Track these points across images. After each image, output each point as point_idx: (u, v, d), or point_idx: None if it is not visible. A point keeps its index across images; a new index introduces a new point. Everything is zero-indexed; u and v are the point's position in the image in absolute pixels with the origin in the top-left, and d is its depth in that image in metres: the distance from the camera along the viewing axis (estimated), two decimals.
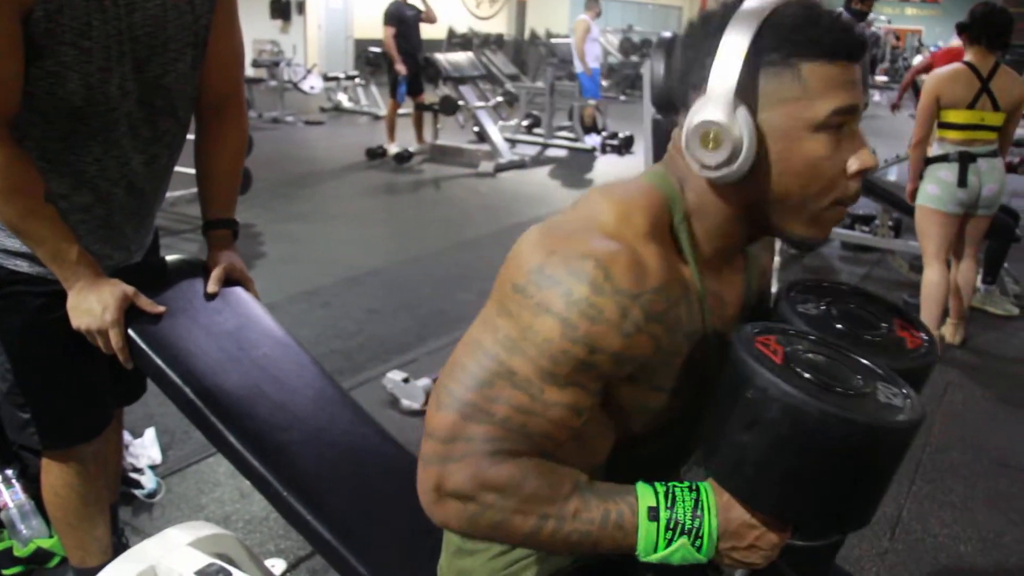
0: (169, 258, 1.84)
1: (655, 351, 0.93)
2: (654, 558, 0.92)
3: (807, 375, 0.88)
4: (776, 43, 0.92)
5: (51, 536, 2.25)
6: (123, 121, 1.53)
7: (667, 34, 2.68)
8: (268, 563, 2.19)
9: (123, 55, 1.47)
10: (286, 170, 7.54)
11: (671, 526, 0.91)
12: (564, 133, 9.86)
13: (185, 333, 1.60)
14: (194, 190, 1.84)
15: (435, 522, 0.96)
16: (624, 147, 9.41)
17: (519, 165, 8.65)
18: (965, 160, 3.68)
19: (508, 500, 0.91)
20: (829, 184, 0.95)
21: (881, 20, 22.91)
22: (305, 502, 1.40)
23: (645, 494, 0.93)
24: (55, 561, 2.24)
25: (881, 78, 16.61)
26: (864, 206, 5.94)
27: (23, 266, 1.57)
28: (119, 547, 1.95)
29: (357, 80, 12.88)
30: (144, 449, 2.74)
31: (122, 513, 2.32)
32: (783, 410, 0.85)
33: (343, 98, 12.89)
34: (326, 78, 12.74)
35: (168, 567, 1.69)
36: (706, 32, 0.95)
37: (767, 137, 0.93)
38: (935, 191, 3.77)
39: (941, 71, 3.85)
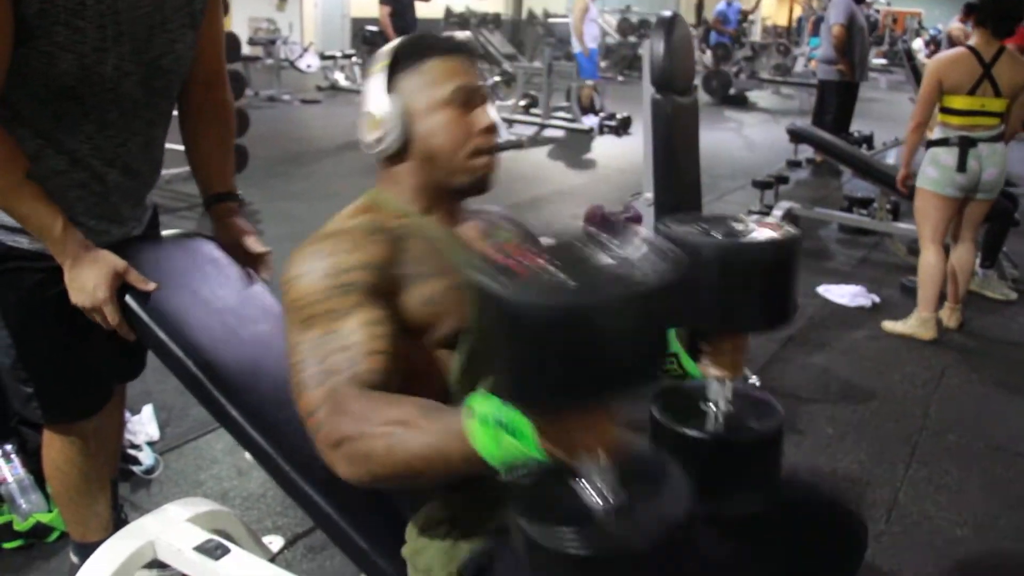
0: (169, 232, 1.83)
1: (393, 255, 1.21)
2: (497, 461, 0.94)
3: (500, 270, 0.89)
4: (408, 53, 1.29)
5: (50, 511, 2.26)
6: (122, 102, 1.52)
7: (667, 13, 2.67)
8: (266, 540, 2.19)
9: (120, 35, 1.45)
10: (283, 148, 7.51)
11: (489, 421, 0.94)
12: (562, 114, 9.83)
13: (187, 307, 1.59)
14: (186, 168, 1.84)
15: (341, 476, 1.08)
16: (622, 128, 9.38)
17: (516, 145, 8.61)
18: (965, 145, 3.67)
19: (367, 426, 1.04)
20: (463, 141, 1.27)
21: (880, 3, 22.86)
22: (306, 476, 1.40)
23: (470, 400, 0.99)
24: (54, 536, 2.25)
25: (879, 61, 16.59)
26: (862, 189, 5.95)
27: (23, 242, 1.56)
28: (118, 523, 1.95)
29: (354, 59, 12.82)
30: (142, 426, 2.74)
31: (120, 489, 2.32)
32: (482, 300, 0.89)
33: (340, 77, 12.82)
34: (323, 57, 12.70)
35: (167, 543, 1.69)
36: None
37: (413, 118, 1.27)
38: (934, 174, 3.76)
39: (943, 55, 3.84)
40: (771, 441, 1.24)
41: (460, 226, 1.35)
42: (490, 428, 0.94)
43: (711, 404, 1.23)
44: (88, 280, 1.49)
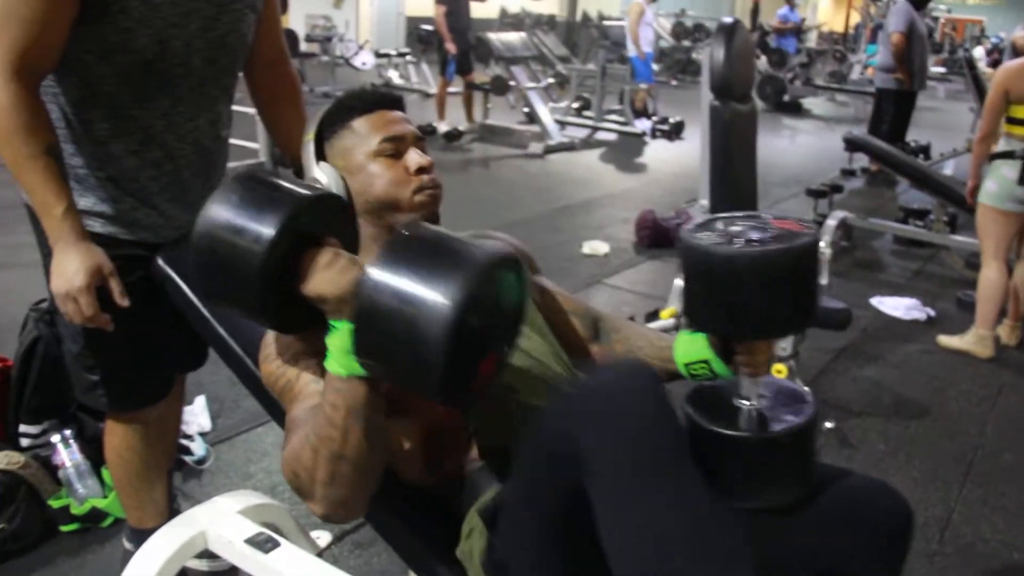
0: None
1: None
2: (338, 353, 1.09)
3: None
4: (332, 119, 1.38)
5: (105, 496, 2.30)
6: (191, 77, 1.58)
7: (727, 19, 2.64)
8: (313, 534, 2.21)
9: (191, 12, 1.51)
10: None
11: (333, 353, 1.11)
12: (614, 117, 9.79)
13: None
14: (248, 161, 1.88)
15: (331, 518, 1.22)
16: (674, 132, 9.31)
17: (568, 147, 8.61)
18: None
19: (301, 462, 1.16)
20: (402, 183, 1.35)
21: (940, 10, 22.46)
22: None
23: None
24: (108, 521, 2.29)
25: (938, 69, 16.29)
26: (919, 200, 5.84)
27: (95, 226, 1.59)
28: (172, 512, 1.97)
29: (408, 57, 12.88)
30: (194, 416, 2.78)
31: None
32: None
33: (394, 75, 12.89)
34: (377, 55, 12.76)
35: (218, 533, 1.71)
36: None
37: (350, 177, 1.35)
38: (994, 188, 3.68)
39: (1011, 64, 3.75)
40: (806, 432, 1.24)
41: None
42: (335, 355, 1.09)
43: (744, 400, 1.26)
44: (70, 266, 1.47)
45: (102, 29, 1.43)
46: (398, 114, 1.42)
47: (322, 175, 1.35)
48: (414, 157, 1.37)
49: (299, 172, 1.78)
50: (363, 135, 1.37)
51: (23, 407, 2.46)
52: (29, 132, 1.43)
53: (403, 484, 1.35)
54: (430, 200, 1.37)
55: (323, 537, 2.24)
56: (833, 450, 2.85)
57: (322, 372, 1.17)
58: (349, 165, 1.36)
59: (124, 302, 1.50)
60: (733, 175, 2.60)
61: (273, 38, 1.80)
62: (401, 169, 1.36)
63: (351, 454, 1.11)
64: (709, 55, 2.55)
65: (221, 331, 1.53)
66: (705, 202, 2.65)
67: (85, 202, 1.57)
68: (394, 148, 1.36)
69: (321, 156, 1.37)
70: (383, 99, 1.41)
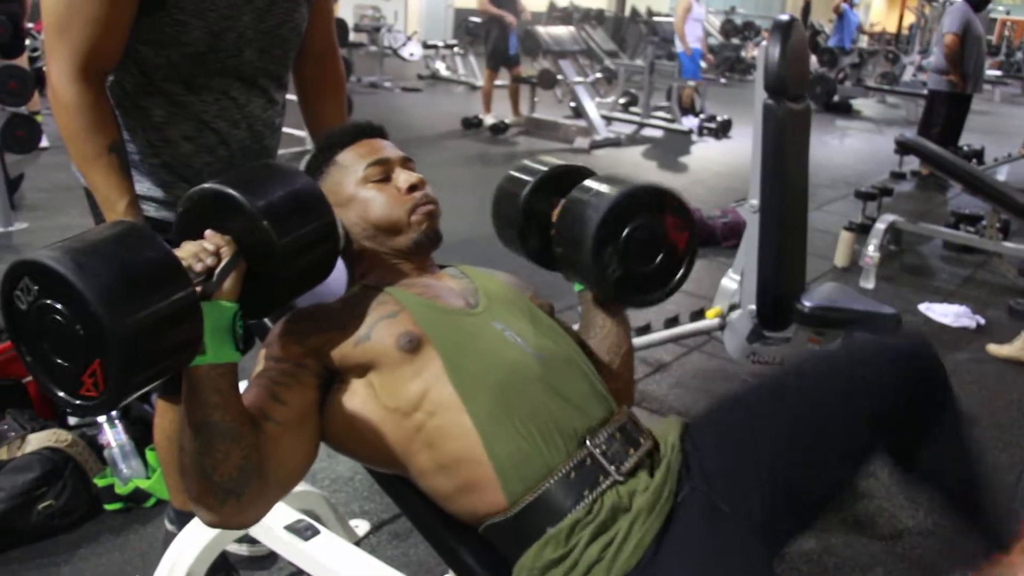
0: None
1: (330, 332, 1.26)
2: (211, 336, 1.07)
3: None
4: (318, 159, 1.43)
5: (148, 477, 2.33)
6: (243, 68, 1.58)
7: (784, 17, 2.60)
8: (352, 523, 2.22)
9: (244, 4, 1.51)
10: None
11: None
12: (661, 113, 9.73)
13: None
14: (295, 149, 1.88)
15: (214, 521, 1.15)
16: (721, 131, 9.24)
17: (614, 143, 8.56)
18: None
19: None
20: (394, 205, 1.37)
21: (998, 11, 22.01)
22: None
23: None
24: (151, 501, 2.32)
25: (994, 72, 15.98)
26: (970, 205, 5.72)
27: (149, 210, 1.61)
28: None
29: (456, 49, 12.90)
30: None
31: None
32: None
33: (441, 66, 12.93)
34: (425, 46, 12.80)
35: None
36: None
37: (344, 208, 1.38)
38: None
39: None
40: None
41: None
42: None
43: None
44: None
45: (157, 21, 1.43)
46: (381, 141, 1.46)
47: None
48: (403, 176, 1.40)
49: None
50: (349, 166, 1.40)
51: None
52: (94, 131, 1.44)
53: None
54: (426, 217, 1.39)
55: (361, 526, 2.25)
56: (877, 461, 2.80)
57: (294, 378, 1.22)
58: (341, 198, 1.38)
59: None
60: (784, 176, 2.56)
61: (325, 30, 1.80)
62: (392, 190, 1.39)
63: (189, 432, 1.10)
64: (764, 53, 2.51)
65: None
66: (755, 202, 2.61)
67: (140, 187, 1.58)
68: (382, 171, 1.40)
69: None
70: (364, 129, 1.46)
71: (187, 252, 1.08)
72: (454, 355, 1.24)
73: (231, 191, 1.11)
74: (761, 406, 1.29)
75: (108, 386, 0.94)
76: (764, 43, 2.55)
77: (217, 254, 1.09)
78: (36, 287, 0.95)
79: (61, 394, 0.99)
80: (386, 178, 1.40)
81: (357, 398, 1.23)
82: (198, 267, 1.07)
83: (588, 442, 1.19)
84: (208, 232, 1.11)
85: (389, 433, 1.21)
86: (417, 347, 1.23)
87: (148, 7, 1.42)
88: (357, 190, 1.39)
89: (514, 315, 1.36)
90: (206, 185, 1.14)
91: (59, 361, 0.97)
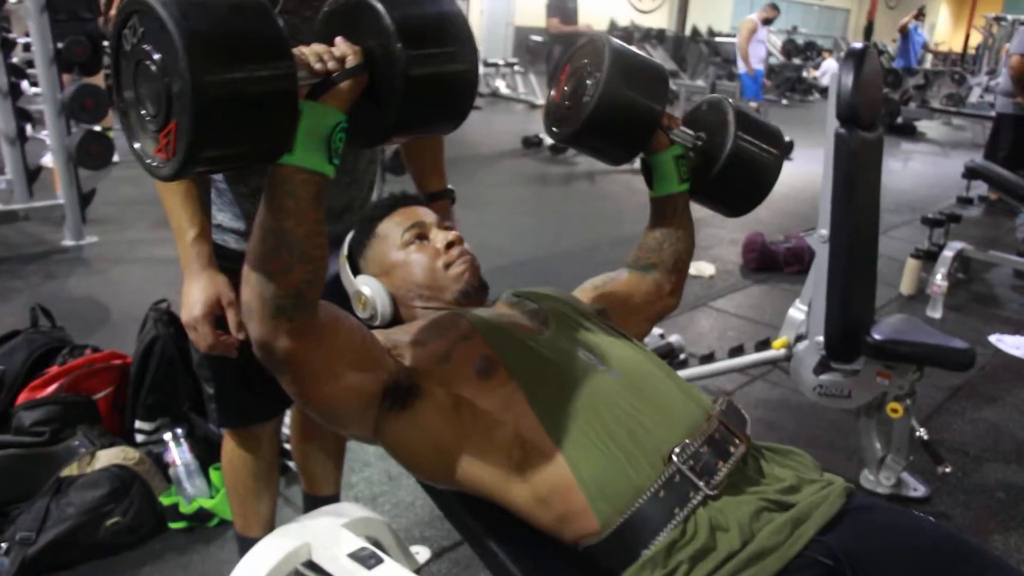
0: None
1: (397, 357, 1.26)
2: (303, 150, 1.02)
3: None
4: (360, 233, 1.49)
5: (212, 497, 2.35)
6: None
7: (858, 44, 2.56)
8: (412, 550, 2.22)
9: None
10: None
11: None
12: None
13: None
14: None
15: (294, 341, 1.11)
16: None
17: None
18: None
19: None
20: (434, 264, 1.43)
21: None
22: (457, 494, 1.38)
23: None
24: (214, 521, 2.34)
25: None
26: None
27: (230, 241, 1.61)
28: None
29: (516, 67, 12.95)
30: None
31: None
32: None
33: (501, 84, 12.98)
34: (485, 64, 12.85)
35: (323, 545, 1.73)
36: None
37: (388, 276, 1.44)
38: None
39: None
40: None
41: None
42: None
43: None
44: (192, 295, 1.49)
45: None
46: (417, 207, 1.52)
47: (364, 287, 1.44)
48: (440, 236, 1.45)
49: (429, 198, 1.78)
50: (388, 235, 1.46)
51: (139, 404, 2.54)
52: None
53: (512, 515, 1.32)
54: (466, 270, 1.43)
55: (422, 553, 2.25)
56: (947, 496, 2.73)
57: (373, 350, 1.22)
58: (384, 267, 1.45)
59: (239, 336, 1.50)
60: (855, 205, 2.51)
61: None
62: (432, 250, 1.44)
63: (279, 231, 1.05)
64: (837, 80, 2.46)
65: None
66: (825, 232, 2.56)
67: (222, 216, 1.59)
68: (419, 233, 1.45)
69: (357, 272, 1.48)
70: (399, 199, 1.52)
71: (310, 50, 1.03)
72: (530, 381, 1.24)
73: (376, 4, 1.05)
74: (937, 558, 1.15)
75: (178, 149, 0.90)
76: (826, 64, 2.51)
77: (342, 61, 1.03)
78: (141, 29, 0.92)
79: (137, 146, 0.97)
80: (424, 238, 1.46)
81: (443, 427, 1.23)
82: (317, 66, 1.02)
83: (675, 458, 1.17)
84: (339, 39, 1.06)
85: (482, 467, 1.22)
86: (493, 372, 1.24)
87: None
88: (398, 255, 1.44)
89: (583, 333, 1.36)
90: None
91: (144, 113, 0.95)
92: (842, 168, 2.49)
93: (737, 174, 1.53)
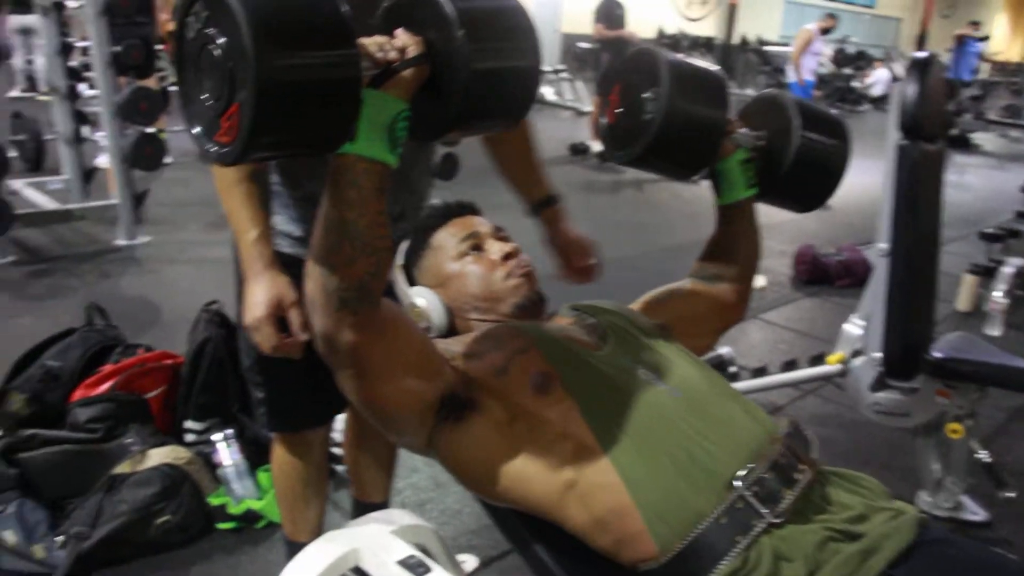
0: None
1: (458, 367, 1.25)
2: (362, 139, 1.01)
3: None
4: (415, 243, 1.48)
5: (260, 498, 2.35)
6: None
7: (923, 54, 2.50)
8: (459, 558, 2.20)
9: None
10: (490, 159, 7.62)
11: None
12: None
13: None
14: None
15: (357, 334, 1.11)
16: None
17: None
18: None
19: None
20: (491, 275, 1.41)
21: None
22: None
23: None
24: (262, 523, 2.35)
25: None
26: None
27: (283, 245, 1.58)
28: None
29: (563, 74, 12.93)
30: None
31: None
32: None
33: (548, 91, 12.96)
34: None
35: (371, 552, 1.71)
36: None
37: (444, 287, 1.43)
38: None
39: None
40: None
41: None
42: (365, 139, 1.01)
43: None
44: (254, 296, 1.46)
45: None
46: (472, 217, 1.50)
47: (419, 298, 1.43)
48: (496, 247, 1.44)
49: (540, 205, 1.78)
50: (443, 246, 1.45)
51: (190, 404, 2.55)
52: None
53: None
54: (523, 282, 1.42)
55: (469, 561, 2.23)
56: (1009, 521, 2.65)
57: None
58: (440, 278, 1.44)
59: (302, 336, 1.47)
60: (917, 220, 2.46)
61: None
62: (487, 261, 1.43)
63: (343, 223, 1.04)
64: (900, 91, 2.41)
65: None
66: (884, 246, 2.50)
67: (276, 219, 1.58)
68: (474, 243, 1.44)
69: (412, 282, 1.48)
70: (454, 209, 1.51)
71: (372, 40, 1.02)
72: (587, 398, 1.21)
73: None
74: None
75: (239, 132, 0.90)
76: (876, 74, 2.45)
77: (403, 51, 1.02)
78: (205, 14, 0.92)
79: (198, 131, 0.97)
80: (479, 249, 1.44)
81: (499, 442, 1.21)
82: (378, 55, 1.01)
83: (738, 483, 1.13)
84: (400, 30, 1.05)
85: (538, 485, 1.19)
86: (549, 388, 1.21)
87: None
88: (453, 267, 1.43)
89: (643, 350, 1.33)
90: None
91: (206, 98, 0.95)
92: (904, 181, 2.43)
93: (806, 170, 1.49)
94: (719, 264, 1.56)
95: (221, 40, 0.90)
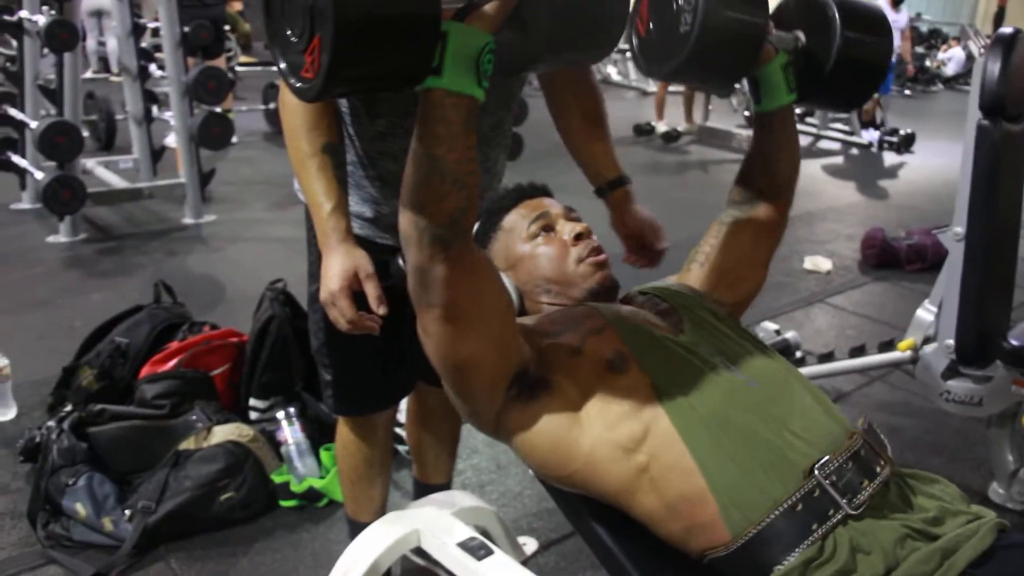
0: None
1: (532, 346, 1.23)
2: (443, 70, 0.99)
3: None
4: (486, 226, 1.46)
5: (322, 477, 2.37)
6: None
7: (1008, 30, 2.40)
8: (519, 540, 2.19)
9: None
10: (552, 140, 7.52)
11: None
12: (839, 125, 9.32)
13: None
14: None
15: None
16: (904, 145, 8.76)
17: None
18: None
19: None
20: (563, 257, 1.39)
21: None
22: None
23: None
24: (323, 501, 2.37)
25: None
26: None
27: (355, 227, 1.53)
28: None
29: (627, 54, 12.79)
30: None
31: None
32: None
33: (612, 71, 12.86)
34: None
35: (432, 533, 1.72)
36: None
37: (515, 269, 1.42)
38: None
39: None
40: None
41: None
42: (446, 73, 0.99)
43: None
44: (330, 269, 1.43)
45: None
46: (543, 199, 1.48)
47: None
48: (568, 227, 1.42)
49: (608, 187, 1.74)
50: (514, 228, 1.44)
51: (254, 382, 2.58)
52: (312, 128, 1.43)
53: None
54: (596, 268, 1.39)
55: (529, 544, 2.22)
56: None
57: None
58: (511, 260, 1.42)
59: (380, 309, 1.43)
60: (996, 203, 2.36)
61: None
62: (559, 242, 1.41)
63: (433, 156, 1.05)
64: (982, 68, 2.32)
65: None
66: (960, 230, 2.42)
67: (349, 199, 1.53)
68: (545, 224, 1.42)
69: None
70: (525, 191, 1.49)
71: None
72: (664, 380, 1.18)
73: None
74: None
75: (321, 64, 0.90)
76: (951, 52, 2.36)
77: None
78: None
79: (283, 66, 0.98)
80: (550, 230, 1.42)
81: (571, 423, 1.18)
82: None
83: (816, 471, 1.09)
84: None
85: (608, 468, 1.16)
86: (625, 368, 1.19)
87: None
88: (524, 248, 1.41)
89: (720, 339, 1.30)
90: None
91: (290, 34, 0.96)
92: (983, 162, 2.34)
93: (849, 70, 1.40)
94: (759, 180, 1.48)
95: None
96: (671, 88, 8.83)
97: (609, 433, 1.16)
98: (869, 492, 1.09)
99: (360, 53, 0.90)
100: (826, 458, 1.10)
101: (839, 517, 1.06)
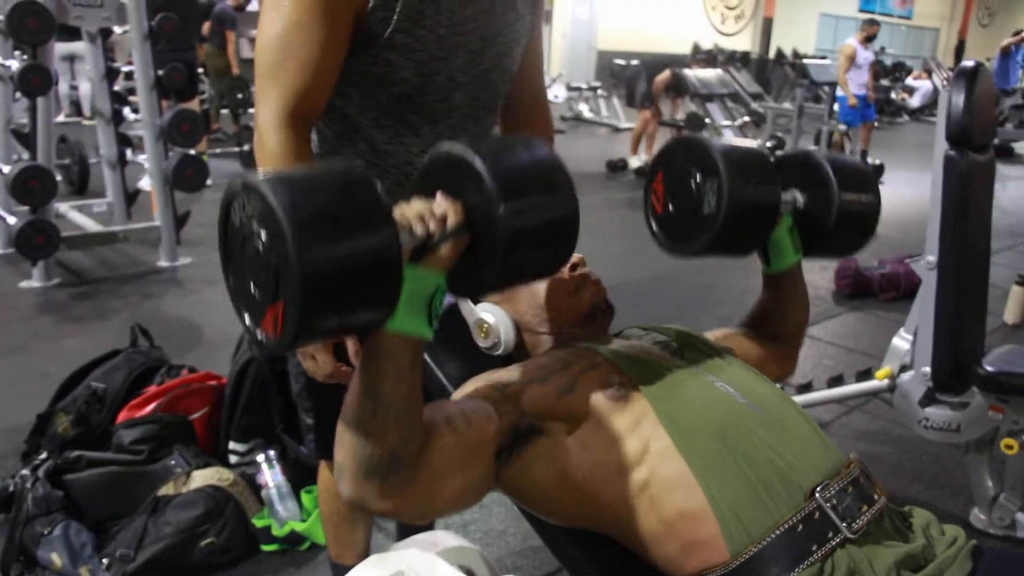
0: None
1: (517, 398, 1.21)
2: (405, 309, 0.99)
3: None
4: None
5: (303, 520, 2.35)
6: (453, 113, 1.52)
7: (970, 63, 2.46)
8: None
9: (456, 46, 1.45)
10: None
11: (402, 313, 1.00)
12: None
13: None
14: None
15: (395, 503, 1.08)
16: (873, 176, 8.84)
17: None
18: None
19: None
20: (556, 285, 1.40)
21: None
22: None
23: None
24: (306, 545, 2.34)
25: None
26: None
27: None
28: None
29: (599, 91, 12.94)
30: None
31: None
32: None
33: (584, 108, 12.99)
34: (569, 88, 12.87)
35: (416, 574, 1.70)
36: None
37: (512, 303, 1.41)
38: None
39: None
40: None
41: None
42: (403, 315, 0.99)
43: None
44: None
45: (366, 60, 1.40)
46: None
47: (486, 314, 1.39)
48: None
49: None
50: None
51: (234, 425, 2.56)
52: (286, 159, 1.41)
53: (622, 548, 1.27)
54: (593, 296, 1.41)
55: None
56: None
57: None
58: (506, 293, 1.41)
59: (358, 360, 1.45)
60: (965, 231, 2.41)
61: (534, 78, 1.71)
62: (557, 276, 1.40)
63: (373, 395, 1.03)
64: (947, 100, 2.37)
65: (440, 376, 1.51)
66: (932, 258, 2.46)
67: None
68: None
69: (476, 300, 1.43)
70: None
71: (412, 212, 1.01)
72: (666, 405, 1.18)
73: (477, 162, 1.03)
74: None
75: (285, 327, 0.90)
76: (919, 82, 2.42)
77: (443, 220, 1.01)
78: (248, 209, 0.93)
79: (248, 322, 0.97)
80: None
81: (566, 454, 1.17)
82: (419, 229, 0.99)
83: (818, 494, 1.09)
84: (440, 195, 1.04)
85: (607, 490, 1.15)
86: (626, 395, 1.19)
87: (358, 46, 1.38)
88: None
89: (719, 365, 1.30)
90: (455, 147, 1.06)
91: (252, 291, 0.95)
92: (951, 192, 2.39)
93: (846, 228, 1.46)
94: (769, 327, 1.52)
95: (264, 236, 0.90)
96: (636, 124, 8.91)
97: (607, 454, 1.15)
98: (867, 518, 1.10)
99: (326, 316, 0.91)
100: (827, 482, 1.11)
101: (838, 540, 1.07)
